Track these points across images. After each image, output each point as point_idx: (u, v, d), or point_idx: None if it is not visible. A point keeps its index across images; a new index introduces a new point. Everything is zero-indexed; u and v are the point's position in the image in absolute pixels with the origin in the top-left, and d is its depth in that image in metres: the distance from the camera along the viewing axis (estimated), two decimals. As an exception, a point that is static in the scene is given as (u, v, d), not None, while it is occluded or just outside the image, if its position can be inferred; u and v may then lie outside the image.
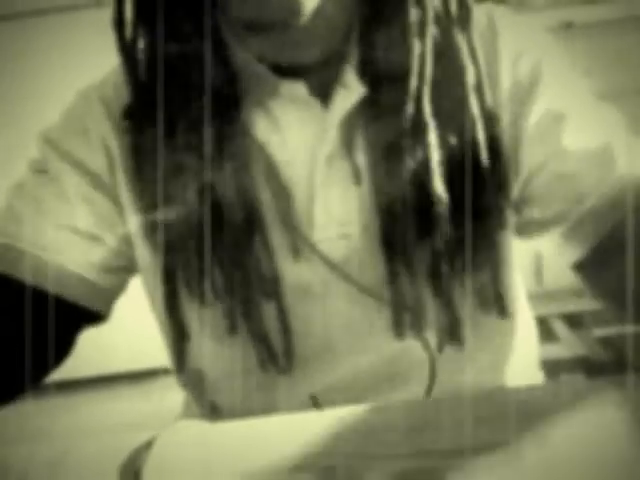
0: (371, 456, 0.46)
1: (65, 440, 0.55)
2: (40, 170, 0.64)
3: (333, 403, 0.64)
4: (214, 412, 0.71)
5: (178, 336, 0.64)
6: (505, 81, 0.60)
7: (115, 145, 0.62)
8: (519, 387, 0.55)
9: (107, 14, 0.60)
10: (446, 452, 0.46)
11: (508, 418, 0.48)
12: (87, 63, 1.58)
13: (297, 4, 0.51)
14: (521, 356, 0.70)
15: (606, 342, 1.97)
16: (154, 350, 0.69)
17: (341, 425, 0.50)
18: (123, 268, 0.66)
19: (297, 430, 0.50)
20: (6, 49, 1.73)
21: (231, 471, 0.47)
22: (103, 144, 0.63)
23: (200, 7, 0.56)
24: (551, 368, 0.78)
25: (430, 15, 0.56)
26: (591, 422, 0.47)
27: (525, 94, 0.60)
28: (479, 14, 0.62)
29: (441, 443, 0.47)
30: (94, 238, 0.64)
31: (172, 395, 0.78)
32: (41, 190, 0.63)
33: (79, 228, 0.63)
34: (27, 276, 0.60)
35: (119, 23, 0.58)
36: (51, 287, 0.61)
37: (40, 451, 0.55)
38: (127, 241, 0.64)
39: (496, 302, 0.63)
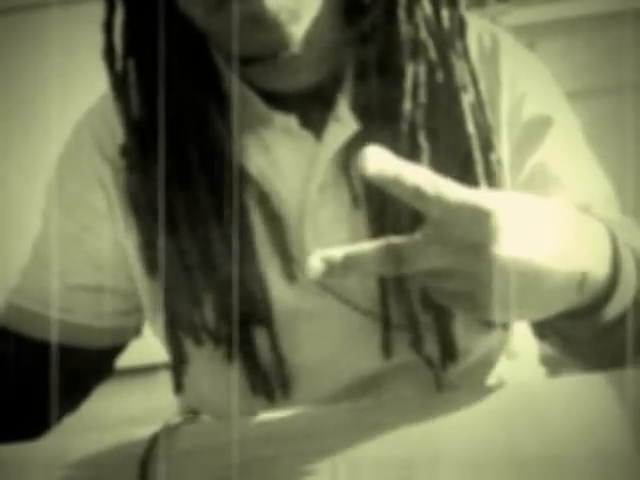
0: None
1: (66, 435, 0.55)
2: (45, 221, 0.67)
3: None
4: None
5: (177, 359, 0.64)
6: (504, 115, 0.59)
7: (111, 182, 0.62)
8: (520, 384, 0.56)
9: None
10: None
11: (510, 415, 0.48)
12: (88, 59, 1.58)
13: (286, 37, 0.50)
14: (521, 353, 0.70)
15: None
16: (155, 346, 0.69)
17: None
18: (135, 308, 0.67)
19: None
20: (5, 43, 1.72)
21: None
22: (99, 181, 0.63)
23: (188, 38, 0.56)
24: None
25: (423, 33, 0.54)
26: (591, 420, 0.47)
27: (526, 143, 0.59)
28: (483, 31, 0.61)
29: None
30: (101, 289, 0.65)
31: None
32: (44, 247, 0.66)
33: (84, 284, 0.65)
34: (52, 336, 0.65)
35: (109, 55, 0.57)
36: (71, 342, 0.66)
37: (41, 447, 0.55)
38: (130, 279, 0.65)
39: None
